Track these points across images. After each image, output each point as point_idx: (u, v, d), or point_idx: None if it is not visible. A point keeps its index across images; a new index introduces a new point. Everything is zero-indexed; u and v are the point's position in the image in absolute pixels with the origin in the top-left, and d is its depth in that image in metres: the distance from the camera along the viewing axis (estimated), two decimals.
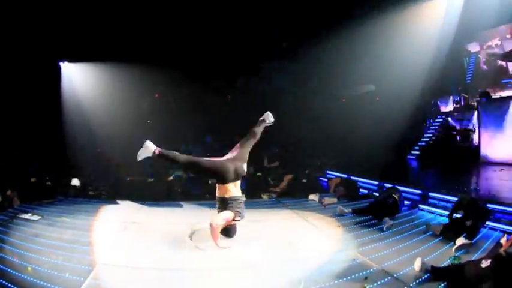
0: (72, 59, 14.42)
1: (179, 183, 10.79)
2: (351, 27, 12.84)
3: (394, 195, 6.67)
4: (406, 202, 7.09)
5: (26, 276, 3.99)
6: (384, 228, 5.63)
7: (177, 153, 5.10)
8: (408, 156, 13.42)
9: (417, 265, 4.00)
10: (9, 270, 4.19)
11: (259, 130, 5.48)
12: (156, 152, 4.99)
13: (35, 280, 3.91)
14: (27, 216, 6.71)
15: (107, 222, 6.53)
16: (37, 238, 5.40)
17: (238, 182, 5.23)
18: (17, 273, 4.09)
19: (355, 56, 13.66)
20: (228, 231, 5.13)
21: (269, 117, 5.54)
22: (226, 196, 5.07)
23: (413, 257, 4.24)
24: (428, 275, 3.92)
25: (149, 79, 15.04)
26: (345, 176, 9.88)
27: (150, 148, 5.00)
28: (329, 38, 13.33)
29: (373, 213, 6.36)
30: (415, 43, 12.92)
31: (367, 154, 12.40)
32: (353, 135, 13.57)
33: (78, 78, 14.69)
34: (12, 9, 11.09)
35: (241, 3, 12.90)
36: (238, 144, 5.39)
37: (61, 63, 14.55)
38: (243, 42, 14.37)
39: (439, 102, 14.21)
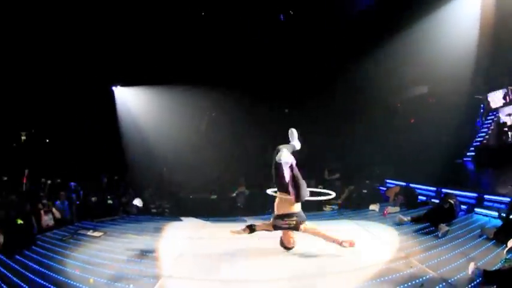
0: (125, 83, 15.33)
1: (242, 199, 11.23)
2: (399, 32, 12.86)
3: (450, 200, 6.83)
4: (463, 206, 7.20)
5: None
6: (439, 235, 5.88)
7: None
8: (464, 159, 12.72)
9: (470, 270, 4.26)
10: (73, 282, 4.54)
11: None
12: (291, 162, 5.11)
13: None
14: (89, 232, 7.20)
15: (171, 237, 6.94)
16: (101, 253, 5.78)
17: None
18: (81, 286, 4.42)
19: (406, 59, 13.50)
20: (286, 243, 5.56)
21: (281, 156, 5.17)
22: (295, 211, 5.37)
23: (468, 262, 4.48)
24: (481, 279, 4.15)
25: (204, 100, 15.52)
26: (404, 184, 9.99)
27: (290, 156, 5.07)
28: (382, 44, 13.29)
29: (430, 220, 6.59)
30: (458, 40, 12.50)
31: (423, 159, 12.09)
32: (408, 141, 13.28)
33: (132, 101, 15.57)
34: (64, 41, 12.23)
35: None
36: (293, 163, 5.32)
37: (114, 88, 15.51)
38: (298, 57, 14.59)
39: (488, 99, 13.30)
